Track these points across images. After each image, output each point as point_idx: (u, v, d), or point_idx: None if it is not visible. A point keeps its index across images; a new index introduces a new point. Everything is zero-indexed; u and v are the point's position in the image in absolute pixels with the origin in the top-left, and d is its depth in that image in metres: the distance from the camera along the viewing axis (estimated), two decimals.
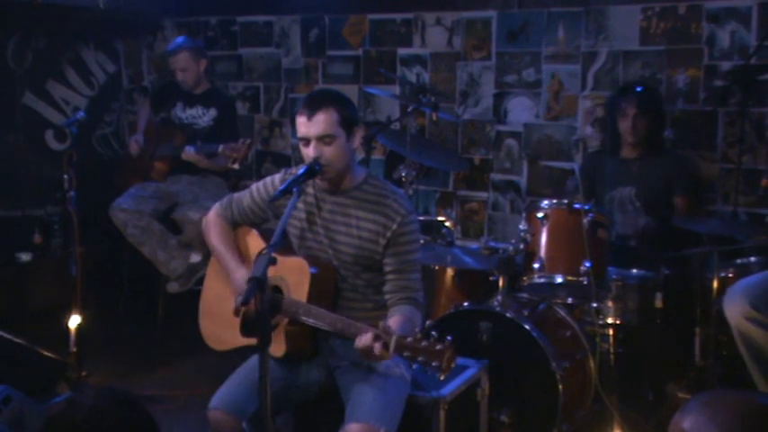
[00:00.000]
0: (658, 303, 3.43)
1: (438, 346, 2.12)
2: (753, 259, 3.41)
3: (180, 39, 4.74)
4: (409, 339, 2.15)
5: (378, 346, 2.19)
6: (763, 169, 3.88)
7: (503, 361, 3.10)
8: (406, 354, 2.16)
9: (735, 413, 1.27)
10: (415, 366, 2.63)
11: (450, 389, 2.71)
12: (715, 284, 3.28)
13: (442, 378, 2.16)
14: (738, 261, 3.43)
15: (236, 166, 4.13)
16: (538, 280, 3.37)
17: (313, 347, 2.58)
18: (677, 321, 3.51)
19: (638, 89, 3.89)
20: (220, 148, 4.16)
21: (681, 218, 3.74)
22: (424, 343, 2.13)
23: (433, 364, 2.12)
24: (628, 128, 3.83)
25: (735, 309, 2.80)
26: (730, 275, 3.34)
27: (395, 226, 2.54)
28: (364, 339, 2.22)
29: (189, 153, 4.38)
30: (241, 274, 2.60)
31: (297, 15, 5.17)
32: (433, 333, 2.16)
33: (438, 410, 2.64)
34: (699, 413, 1.29)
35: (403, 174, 3.87)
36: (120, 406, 1.64)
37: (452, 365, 2.14)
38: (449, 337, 2.14)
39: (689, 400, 1.32)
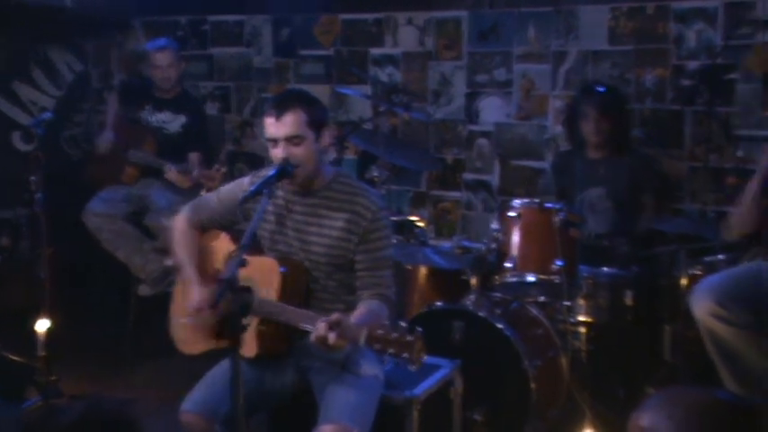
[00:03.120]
0: (629, 301, 3.46)
1: (408, 338, 2.13)
2: (720, 257, 3.45)
3: (164, 39, 4.75)
4: (380, 331, 2.17)
5: (332, 336, 2.21)
6: (729, 168, 3.93)
7: (476, 360, 3.11)
8: (376, 346, 2.17)
9: (692, 409, 1.29)
10: (387, 366, 2.65)
11: (424, 388, 2.71)
12: (684, 282, 3.32)
13: (413, 369, 2.16)
14: (706, 259, 3.47)
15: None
16: (510, 279, 3.40)
17: (286, 347, 2.58)
18: (648, 319, 3.54)
19: (600, 90, 3.91)
20: (195, 172, 4.19)
21: (650, 217, 3.78)
22: (394, 335, 2.15)
23: (404, 355, 2.13)
24: (590, 130, 3.86)
25: (701, 307, 2.83)
26: (698, 273, 3.38)
27: (366, 223, 2.54)
28: (319, 329, 2.23)
29: (171, 173, 4.33)
30: (198, 291, 2.61)
31: (267, 15, 5.15)
32: (403, 324, 2.17)
33: (411, 410, 2.64)
34: (657, 410, 1.31)
35: (375, 174, 3.87)
36: (107, 425, 1.53)
37: (423, 357, 2.15)
38: (419, 329, 2.15)
39: (648, 398, 1.34)
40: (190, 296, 2.65)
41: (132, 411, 1.55)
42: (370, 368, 2.54)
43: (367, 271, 2.55)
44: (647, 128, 4.14)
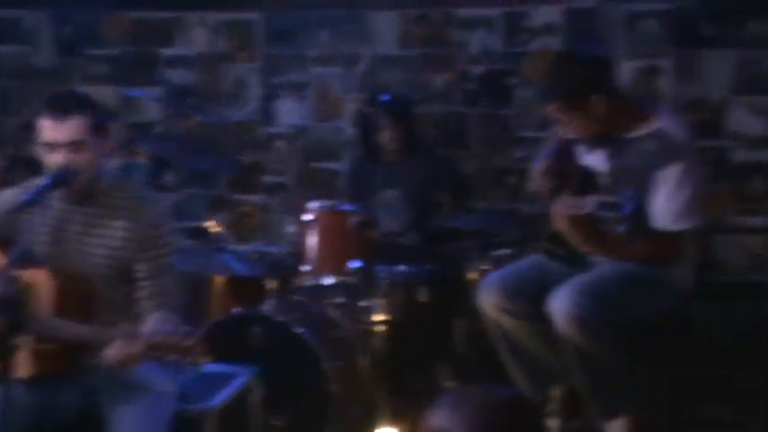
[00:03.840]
0: (423, 298, 3.57)
1: (187, 341, 2.12)
2: (506, 251, 3.64)
3: None
4: (157, 337, 2.14)
5: (127, 349, 2.15)
6: (512, 167, 4.17)
7: (276, 365, 3.09)
8: (156, 352, 2.14)
9: (477, 408, 1.35)
10: (181, 378, 2.57)
11: (220, 399, 2.65)
12: (473, 277, 3.48)
13: (194, 370, 2.17)
14: (494, 253, 3.66)
15: None
16: (309, 282, 3.41)
17: (68, 366, 2.42)
18: (441, 314, 3.67)
19: (386, 97, 4.01)
20: None
21: (444, 215, 3.92)
22: (172, 339, 2.13)
23: (185, 359, 2.13)
24: (382, 137, 3.95)
25: (487, 301, 2.95)
26: (487, 268, 3.55)
27: (147, 230, 2.46)
28: (112, 345, 2.16)
29: None
30: None
31: (48, 11, 4.83)
32: (184, 328, 2.17)
33: (207, 422, 2.57)
34: (445, 411, 1.35)
35: (169, 179, 3.75)
36: None
37: (205, 358, 2.23)
38: (198, 330, 2.16)
39: (437, 399, 1.38)
40: None
41: None
42: (160, 383, 2.44)
43: (149, 279, 2.46)
44: (436, 130, 4.31)
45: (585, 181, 2.91)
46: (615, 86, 2.82)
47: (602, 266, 2.85)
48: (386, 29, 4.36)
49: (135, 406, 2.36)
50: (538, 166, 3.00)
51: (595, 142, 2.85)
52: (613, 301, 2.71)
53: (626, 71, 4.04)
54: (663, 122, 2.74)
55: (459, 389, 1.46)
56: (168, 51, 4.67)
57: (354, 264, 3.35)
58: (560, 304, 2.68)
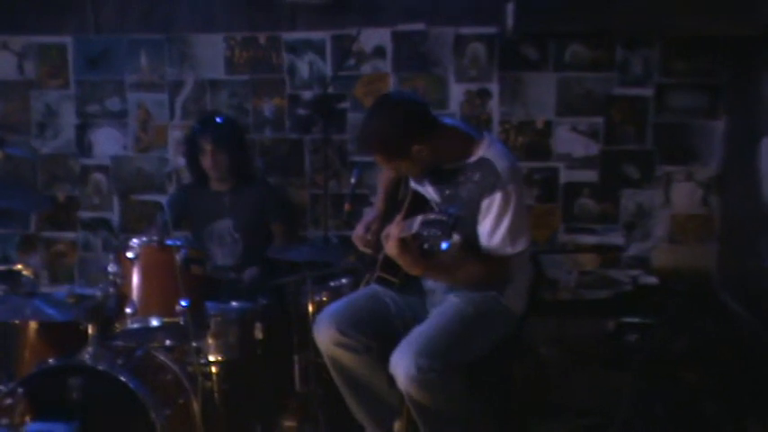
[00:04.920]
0: (258, 334, 3.41)
1: (7, 401, 1.97)
2: (344, 281, 3.56)
3: None
4: None
5: None
6: (346, 193, 4.10)
7: (99, 418, 2.86)
8: None
9: None
10: None
11: None
12: (310, 309, 3.35)
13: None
14: (331, 284, 3.56)
15: None
16: (132, 325, 3.15)
17: None
18: (278, 350, 3.52)
19: (216, 122, 3.88)
20: None
21: (276, 247, 3.79)
22: None
23: (3, 421, 1.99)
24: (208, 163, 3.81)
25: (323, 336, 2.85)
26: (324, 299, 3.44)
27: None
28: None
29: None
30: None
31: None
32: (1, 388, 1.94)
33: None
34: None
35: None
36: None
37: (27, 418, 2.12)
38: (20, 390, 1.93)
39: None
40: None
41: None
42: None
43: None
44: (267, 157, 4.19)
45: (417, 205, 2.89)
46: (436, 128, 2.77)
47: (437, 315, 2.81)
48: (211, 53, 4.18)
49: None
50: (359, 231, 3.04)
51: (424, 175, 2.86)
52: (454, 349, 2.68)
53: (458, 93, 4.09)
54: (486, 151, 2.75)
55: None
56: None
57: (183, 302, 3.12)
58: (401, 366, 2.62)
